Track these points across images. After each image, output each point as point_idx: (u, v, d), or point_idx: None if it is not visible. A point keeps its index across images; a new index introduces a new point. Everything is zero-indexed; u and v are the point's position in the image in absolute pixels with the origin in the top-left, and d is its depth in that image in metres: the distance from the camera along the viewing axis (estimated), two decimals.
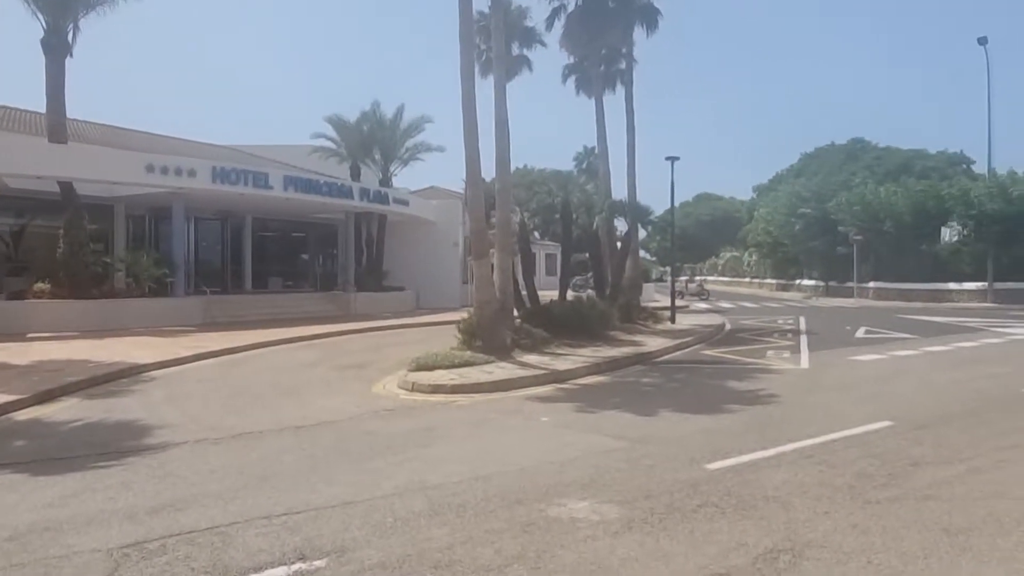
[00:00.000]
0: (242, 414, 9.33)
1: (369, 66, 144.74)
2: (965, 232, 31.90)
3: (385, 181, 30.62)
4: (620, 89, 25.12)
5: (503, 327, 14.17)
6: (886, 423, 8.09)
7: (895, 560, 4.43)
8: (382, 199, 27.68)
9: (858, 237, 34.19)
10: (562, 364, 12.67)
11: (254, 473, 6.53)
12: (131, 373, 12.53)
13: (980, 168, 49.24)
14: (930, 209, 32.79)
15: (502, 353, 13.26)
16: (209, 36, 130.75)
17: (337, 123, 30.64)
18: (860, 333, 19.00)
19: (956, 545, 4.65)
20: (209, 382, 12.20)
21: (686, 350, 16.02)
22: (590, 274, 25.15)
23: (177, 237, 22.45)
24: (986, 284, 30.39)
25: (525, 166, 56.39)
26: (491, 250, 15.27)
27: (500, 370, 11.96)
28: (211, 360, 14.61)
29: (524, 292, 18.37)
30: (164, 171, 20.53)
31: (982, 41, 32.77)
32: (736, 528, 4.97)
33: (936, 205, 32.62)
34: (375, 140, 30.52)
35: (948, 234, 33.79)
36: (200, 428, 8.48)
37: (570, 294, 20.45)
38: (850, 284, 36.01)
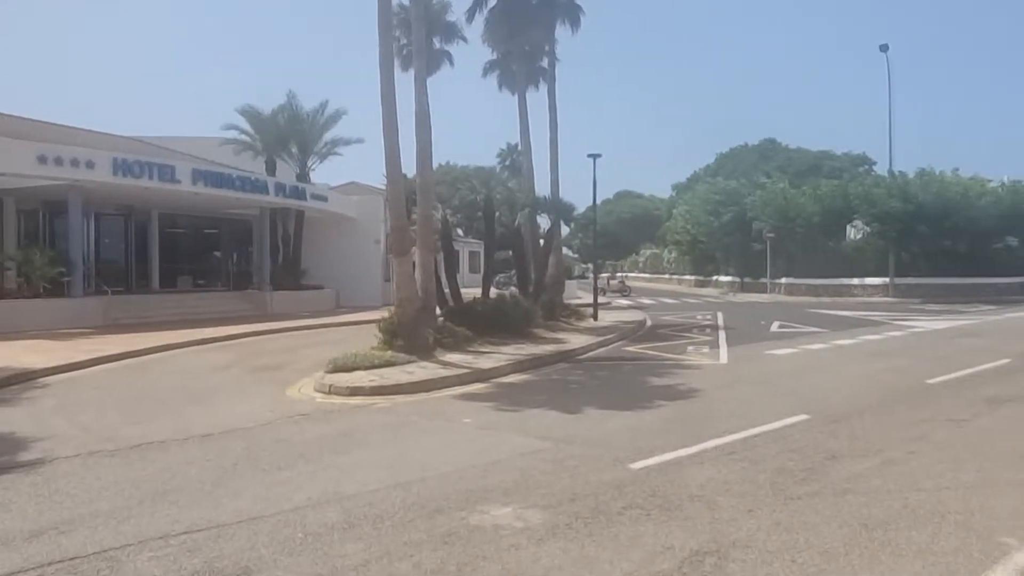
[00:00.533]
0: (143, 423, 8.69)
1: (285, 57, 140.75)
2: (868, 230, 33.52)
3: (303, 176, 29.64)
4: (543, 86, 25.10)
5: (425, 326, 13.85)
6: (803, 417, 8.24)
7: (818, 558, 4.41)
8: (299, 194, 26.77)
9: (771, 235, 35.45)
10: (486, 363, 12.46)
11: (152, 488, 6.03)
12: (19, 380, 11.57)
13: (881, 168, 52.03)
14: (837, 208, 34.30)
15: (424, 353, 12.94)
16: (108, 20, 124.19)
17: (251, 115, 29.43)
18: (774, 328, 19.58)
19: (875, 539, 4.68)
20: (107, 389, 11.39)
21: (609, 347, 16.09)
22: (513, 272, 25.10)
23: (74, 234, 20.98)
24: (887, 279, 32.04)
25: (448, 163, 56.16)
26: (413, 248, 14.91)
27: (422, 370, 11.65)
28: (111, 365, 13.69)
29: (447, 290, 18.07)
30: (59, 162, 19.12)
31: (883, 48, 34.55)
32: (662, 531, 4.87)
33: (842, 204, 34.15)
34: (291, 133, 29.48)
35: (853, 232, 35.43)
36: (94, 439, 7.83)
37: (494, 292, 20.26)
38: (764, 280, 37.32)
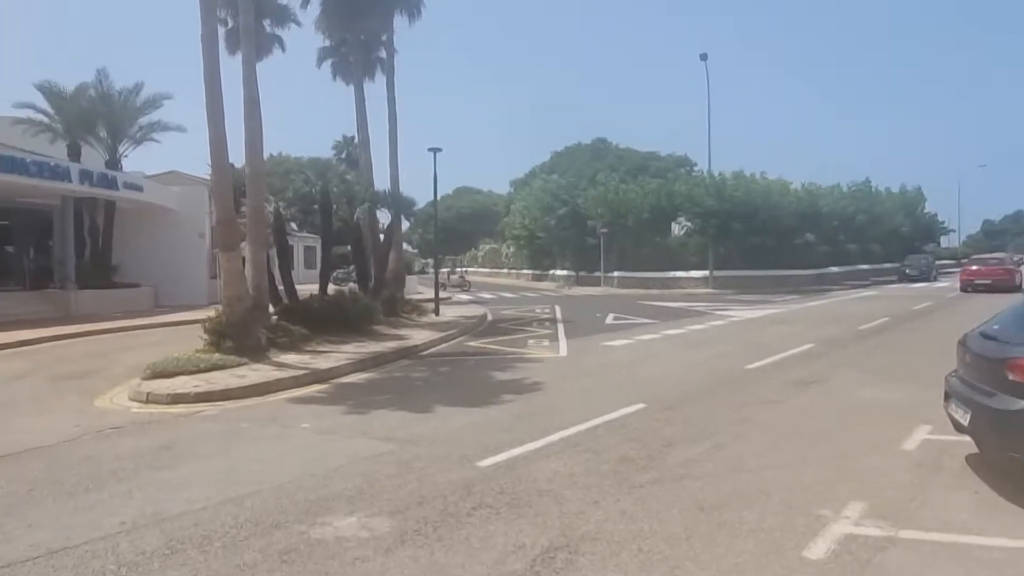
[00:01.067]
0: None
1: (96, 31, 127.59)
2: (691, 227, 36.03)
3: (113, 163, 26.88)
4: (381, 78, 24.50)
5: (257, 325, 13.00)
6: (640, 406, 8.57)
7: (662, 544, 4.53)
8: (109, 183, 24.22)
9: (604, 230, 37.11)
10: (324, 362, 11.91)
11: None
12: None
13: (702, 169, 56.10)
14: (663, 206, 36.55)
15: (256, 354, 12.14)
16: None
17: (51, 92, 26.23)
18: (609, 320, 20.44)
19: (712, 522, 4.90)
20: None
21: (451, 342, 16.00)
22: (352, 267, 24.32)
23: None
24: (708, 272, 34.65)
25: (281, 154, 53.52)
26: (242, 242, 13.94)
27: (254, 373, 10.91)
28: None
29: (281, 287, 17.13)
30: None
31: (703, 57, 37.22)
32: (512, 529, 4.80)
33: (668, 202, 36.44)
34: (99, 115, 26.62)
35: (677, 229, 37.93)
36: None
37: (332, 288, 19.50)
38: (598, 274, 38.99)
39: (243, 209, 14.29)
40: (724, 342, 14.97)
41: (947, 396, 6.12)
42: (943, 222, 63.91)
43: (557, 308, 25.14)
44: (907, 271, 42.71)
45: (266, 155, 16.02)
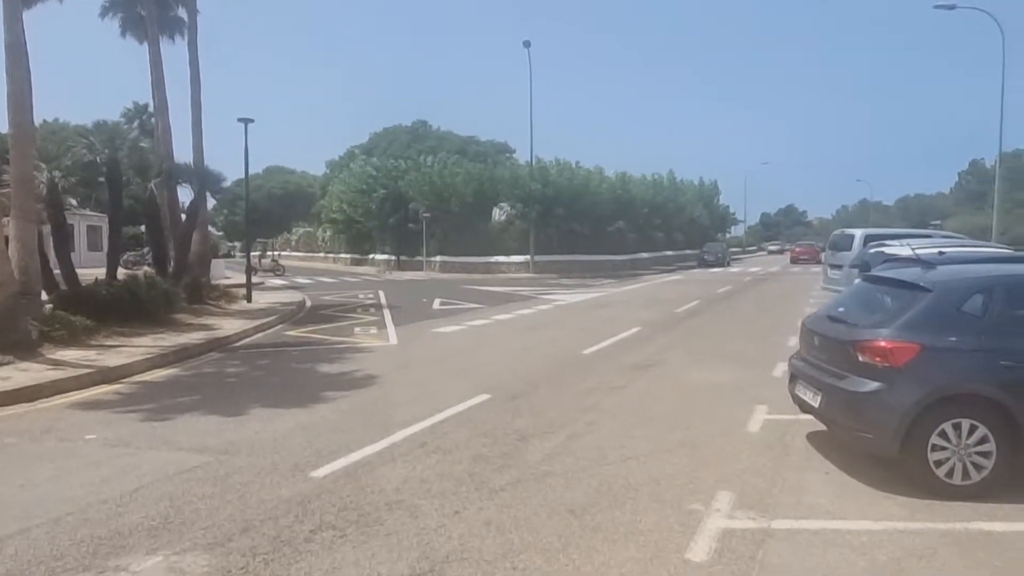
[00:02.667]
0: None
1: None
2: (513, 211, 36.35)
3: None
4: (182, 40, 21.96)
5: (26, 315, 10.89)
6: (485, 396, 8.07)
7: (538, 559, 4.02)
8: None
9: (427, 214, 36.40)
10: (114, 358, 10.19)
11: None
12: None
13: (520, 156, 57.12)
14: (486, 190, 36.53)
15: (25, 350, 10.14)
16: None
17: None
18: (437, 305, 19.85)
19: (585, 526, 4.47)
20: None
21: (268, 331, 14.59)
22: (147, 249, 21.68)
23: None
24: (529, 257, 35.16)
25: (57, 120, 46.93)
26: (4, 217, 11.63)
27: (22, 374, 9.04)
28: None
29: (57, 271, 14.66)
30: None
31: (526, 44, 37.36)
32: (363, 555, 4.06)
33: (491, 187, 36.49)
34: None
35: (499, 213, 38.12)
36: None
37: (123, 273, 17.12)
38: (420, 258, 38.24)
39: (5, 178, 11.92)
40: (555, 327, 14.94)
41: (793, 378, 6.19)
42: (734, 213, 70.35)
43: (381, 293, 24.13)
44: (706, 257, 46.43)
45: (38, 120, 13.54)
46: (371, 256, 46.95)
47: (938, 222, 47.38)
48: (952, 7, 25.71)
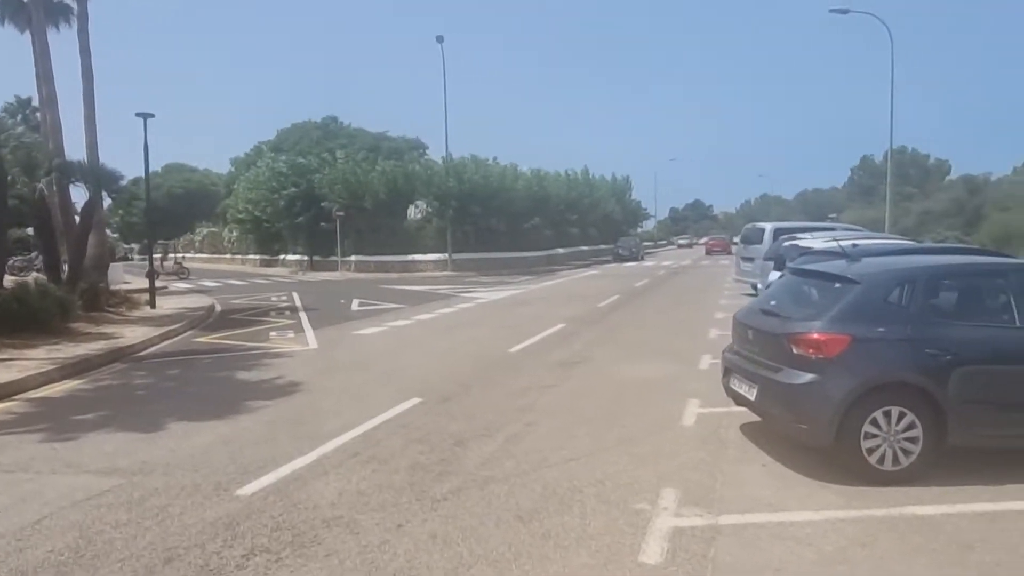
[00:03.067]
0: None
1: None
2: (429, 209, 35.91)
3: None
4: (71, 29, 20.51)
5: None
6: (416, 400, 7.83)
7: (489, 571, 3.87)
8: None
9: (341, 213, 35.44)
10: (4, 374, 9.32)
11: None
12: None
13: (433, 153, 56.50)
14: (401, 188, 35.91)
15: None
16: None
17: None
18: (355, 306, 19.32)
19: (535, 533, 4.34)
20: None
21: (176, 339, 13.79)
22: (35, 253, 20.09)
23: None
24: (447, 255, 34.84)
25: None
26: None
27: None
28: None
29: None
30: None
31: (439, 39, 36.96)
32: None
33: (406, 184, 35.89)
34: None
35: (414, 211, 37.60)
36: None
37: (9, 280, 15.80)
38: (334, 258, 37.23)
39: None
40: (478, 325, 14.78)
41: (727, 371, 6.26)
42: (645, 208, 72.08)
43: (295, 295, 23.32)
44: (620, 252, 47.37)
45: None
46: (282, 257, 45.40)
47: (835, 215, 50.02)
48: (846, 11, 27.08)
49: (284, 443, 6.32)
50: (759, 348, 5.77)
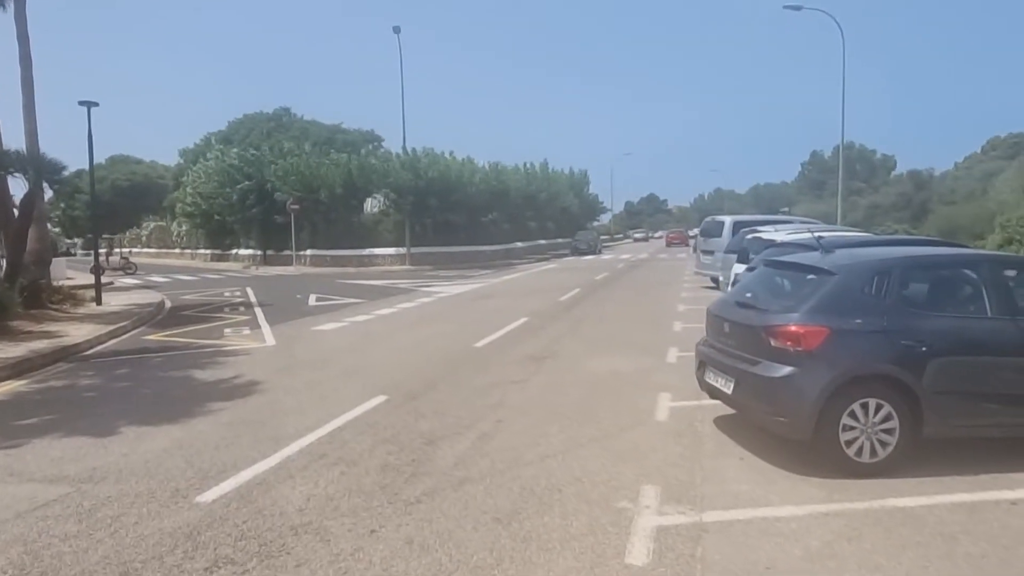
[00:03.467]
0: None
1: None
2: (387, 203, 35.36)
3: None
4: (4, 14, 19.43)
5: None
6: (382, 398, 7.59)
7: None
8: None
9: (295, 206, 34.63)
10: None
11: None
12: None
13: (389, 145, 55.77)
14: (357, 181, 35.26)
15: None
16: None
17: None
18: (312, 301, 18.86)
19: (516, 536, 4.18)
20: None
21: (124, 336, 13.23)
22: None
23: None
24: (405, 249, 34.35)
25: None
26: None
27: None
28: None
29: None
30: None
31: (396, 30, 36.38)
32: None
33: (362, 177, 35.24)
34: None
35: (371, 204, 37.00)
36: None
37: None
38: (288, 252, 36.39)
39: None
40: (441, 320, 14.54)
41: (701, 365, 6.18)
42: (602, 202, 72.43)
43: (249, 290, 22.69)
44: (578, 245, 47.48)
45: None
46: (234, 251, 44.30)
47: (787, 209, 51.07)
48: (799, 8, 27.52)
49: (245, 446, 6.03)
50: (736, 341, 5.69)
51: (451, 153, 38.11)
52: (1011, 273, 5.53)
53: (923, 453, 5.20)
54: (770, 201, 74.58)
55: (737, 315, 5.80)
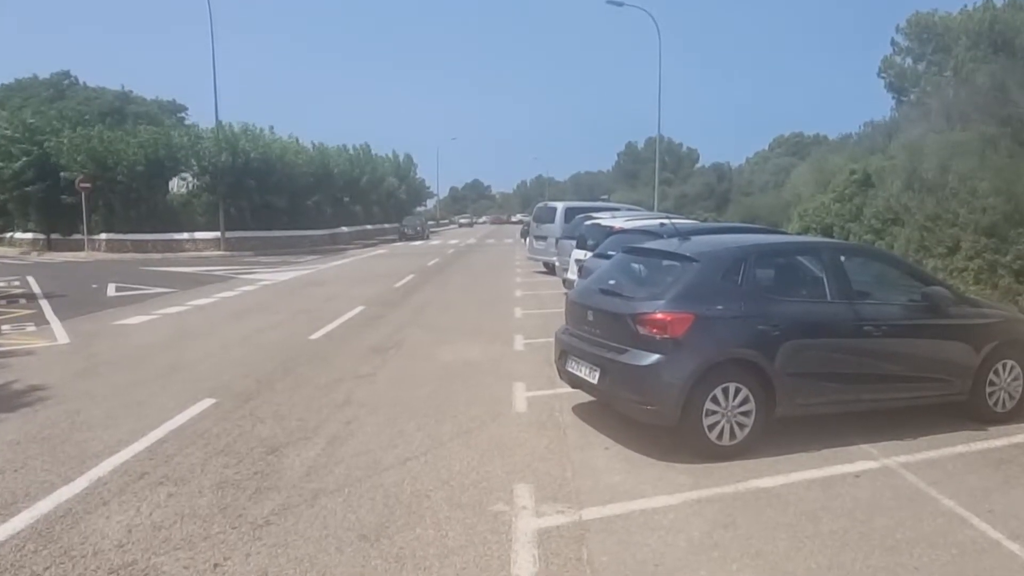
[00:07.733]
0: None
1: None
2: (197, 183, 32.40)
3: None
4: None
5: None
6: (209, 402, 6.73)
7: None
8: None
9: (86, 185, 30.67)
10: None
11: None
12: None
13: (195, 116, 51.36)
14: (162, 158, 31.93)
15: None
16: None
17: None
18: (112, 291, 16.73)
19: (387, 555, 3.75)
20: None
21: None
22: None
23: None
24: (219, 233, 31.66)
25: None
26: None
27: None
28: None
29: None
30: None
31: None
32: None
33: (167, 154, 31.96)
34: None
35: (178, 184, 33.76)
36: None
37: None
38: (79, 236, 32.24)
39: None
40: (269, 310, 13.43)
41: (563, 354, 6.03)
42: (429, 187, 71.87)
43: (31, 280, 19.74)
44: (406, 231, 46.76)
45: None
46: (9, 235, 38.69)
47: (606, 196, 53.53)
48: (620, 4, 28.63)
49: (39, 468, 5.01)
50: (601, 330, 5.58)
51: (271, 129, 35.73)
52: (843, 259, 5.88)
53: (770, 433, 5.39)
54: (589, 189, 78.01)
55: (601, 303, 5.69)
